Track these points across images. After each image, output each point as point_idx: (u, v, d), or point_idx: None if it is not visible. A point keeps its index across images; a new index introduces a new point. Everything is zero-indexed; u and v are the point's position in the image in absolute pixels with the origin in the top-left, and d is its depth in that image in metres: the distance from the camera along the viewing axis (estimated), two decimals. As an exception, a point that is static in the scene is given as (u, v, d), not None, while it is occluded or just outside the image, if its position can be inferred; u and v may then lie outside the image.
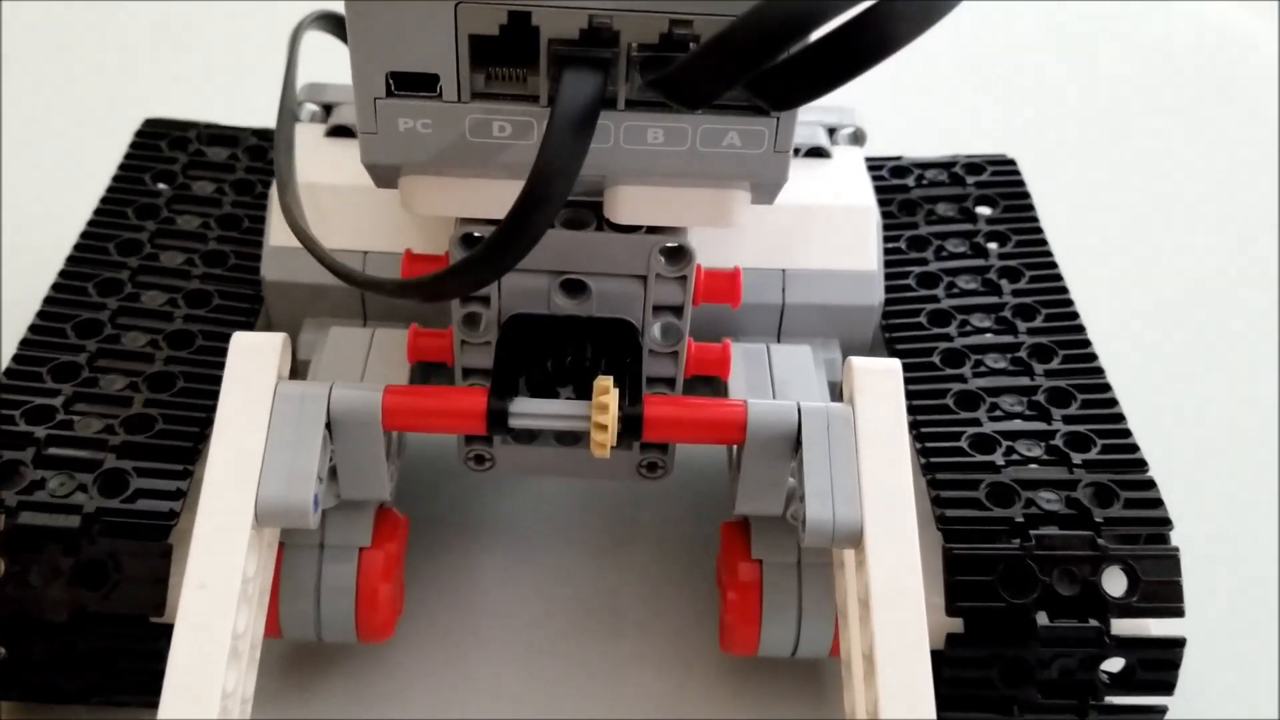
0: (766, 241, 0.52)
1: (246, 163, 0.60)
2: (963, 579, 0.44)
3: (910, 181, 0.62)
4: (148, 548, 0.43)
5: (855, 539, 0.41)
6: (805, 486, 0.42)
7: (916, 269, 0.57)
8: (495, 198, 0.38)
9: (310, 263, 0.43)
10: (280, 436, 0.42)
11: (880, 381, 0.44)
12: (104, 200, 0.57)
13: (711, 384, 0.50)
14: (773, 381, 0.48)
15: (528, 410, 0.43)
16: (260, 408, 0.43)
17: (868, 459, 0.42)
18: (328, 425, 0.42)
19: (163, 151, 0.60)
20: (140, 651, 0.44)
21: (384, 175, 0.39)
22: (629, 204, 0.39)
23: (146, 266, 0.54)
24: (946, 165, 0.63)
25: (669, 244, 0.41)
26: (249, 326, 0.52)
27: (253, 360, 0.44)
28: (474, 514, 0.57)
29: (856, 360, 0.44)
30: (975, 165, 0.63)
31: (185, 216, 0.57)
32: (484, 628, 0.52)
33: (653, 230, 0.41)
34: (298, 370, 0.48)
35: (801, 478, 0.42)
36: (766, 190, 0.39)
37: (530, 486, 0.58)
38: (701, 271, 0.44)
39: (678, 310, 0.43)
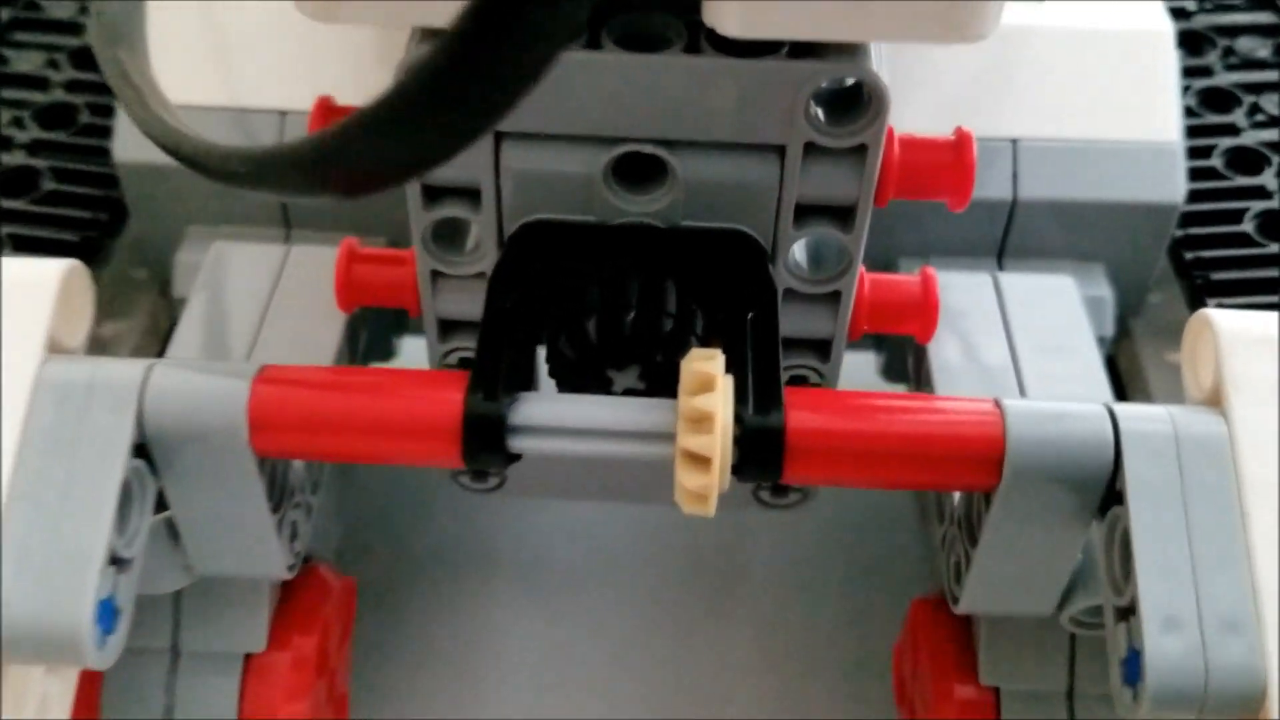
0: (980, 90, 0.36)
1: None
2: None
3: (1189, 3, 0.46)
4: None
5: (1251, 705, 0.24)
6: (1139, 591, 0.24)
7: (1224, 142, 0.41)
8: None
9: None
10: (40, 469, 0.25)
11: (1284, 361, 0.26)
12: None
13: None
14: (1013, 351, 0.32)
15: (545, 420, 0.26)
16: (8, 411, 0.26)
17: (1270, 532, 0.24)
18: (140, 448, 0.26)
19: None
20: None
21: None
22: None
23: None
24: (1243, -20, 0.48)
25: (836, 79, 0.26)
26: (99, 242, 0.38)
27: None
28: (481, 552, 0.45)
29: (1222, 317, 0.27)
30: (1290, -21, 0.48)
31: (25, 51, 0.43)
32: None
33: (800, 52, 0.26)
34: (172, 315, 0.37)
35: (1125, 569, 0.25)
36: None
37: (571, 510, 0.46)
38: (895, 138, 0.28)
39: (845, 214, 0.28)
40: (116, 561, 0.25)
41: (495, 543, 0.45)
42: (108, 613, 0.25)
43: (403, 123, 0.19)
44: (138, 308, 0.40)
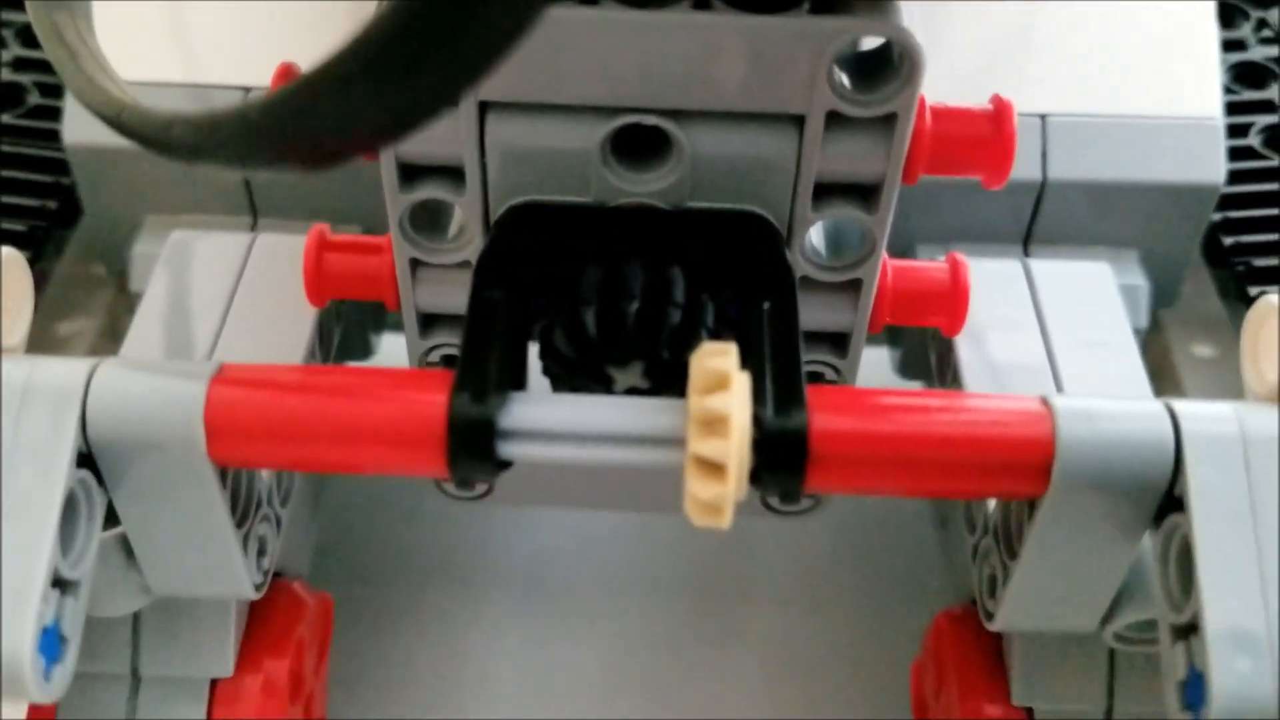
0: (1004, 61, 0.35)
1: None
2: None
3: (1216, -30, 0.46)
4: None
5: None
6: (1203, 607, 0.22)
7: (1261, 119, 0.39)
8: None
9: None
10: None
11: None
12: None
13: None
14: (1048, 346, 0.30)
15: (539, 423, 0.24)
16: (-69, 419, 0.23)
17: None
18: (85, 457, 0.24)
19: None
20: None
21: None
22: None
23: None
24: (1271, -56, 0.46)
25: (863, 39, 0.24)
26: (48, 232, 0.37)
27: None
28: (467, 564, 0.43)
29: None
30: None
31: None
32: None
33: (823, 7, 0.24)
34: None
35: (1185, 583, 0.23)
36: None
37: (563, 518, 0.44)
38: (927, 107, 0.26)
39: (869, 193, 0.26)
40: (60, 584, 0.22)
41: (483, 554, 0.43)
42: (52, 642, 0.22)
43: (371, 75, 0.16)
44: (94, 306, 0.38)
